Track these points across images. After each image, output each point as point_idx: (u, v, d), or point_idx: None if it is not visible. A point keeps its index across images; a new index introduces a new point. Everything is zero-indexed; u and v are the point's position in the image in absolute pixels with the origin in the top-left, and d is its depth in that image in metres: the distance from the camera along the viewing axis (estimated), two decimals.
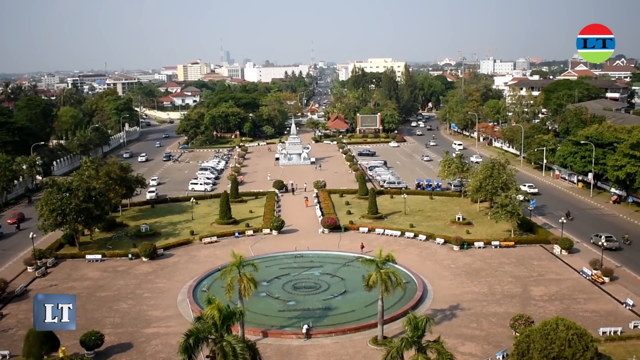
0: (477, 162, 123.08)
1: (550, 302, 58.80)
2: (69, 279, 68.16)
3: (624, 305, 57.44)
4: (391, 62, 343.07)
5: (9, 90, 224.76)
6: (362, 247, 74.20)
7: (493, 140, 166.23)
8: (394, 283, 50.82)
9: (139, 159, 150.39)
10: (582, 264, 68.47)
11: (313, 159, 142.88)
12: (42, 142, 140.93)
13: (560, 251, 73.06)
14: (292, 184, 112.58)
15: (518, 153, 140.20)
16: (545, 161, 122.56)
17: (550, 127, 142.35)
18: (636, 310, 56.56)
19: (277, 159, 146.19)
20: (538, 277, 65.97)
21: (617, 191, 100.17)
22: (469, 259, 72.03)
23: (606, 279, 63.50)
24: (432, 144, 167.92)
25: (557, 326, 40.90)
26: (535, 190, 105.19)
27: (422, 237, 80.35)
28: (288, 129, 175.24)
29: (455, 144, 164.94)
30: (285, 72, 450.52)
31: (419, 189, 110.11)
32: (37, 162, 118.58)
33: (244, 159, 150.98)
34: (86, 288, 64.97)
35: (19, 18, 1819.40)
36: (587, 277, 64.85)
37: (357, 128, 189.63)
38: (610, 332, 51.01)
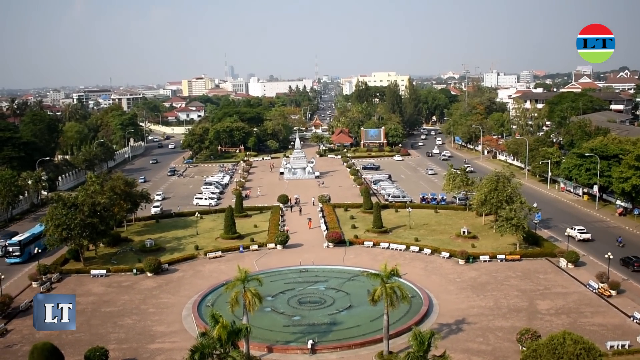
0: (447, 156, 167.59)
1: (557, 316, 58.45)
2: (74, 294, 67.93)
3: (632, 318, 57.03)
4: (395, 76, 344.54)
5: (15, 106, 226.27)
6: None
7: (497, 153, 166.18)
8: (399, 297, 50.58)
9: None
10: (588, 277, 68.08)
11: (317, 173, 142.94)
12: (48, 158, 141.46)
13: (567, 264, 72.68)
14: (296, 198, 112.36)
15: (523, 166, 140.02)
16: (550, 174, 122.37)
17: (554, 140, 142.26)
18: None
19: (282, 173, 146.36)
20: (544, 290, 65.61)
21: (622, 203, 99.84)
22: (474, 272, 71.72)
23: (613, 292, 63.11)
24: (420, 144, 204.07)
25: (565, 340, 40.57)
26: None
27: (427, 251, 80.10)
28: (292, 143, 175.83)
29: (437, 140, 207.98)
30: (290, 87, 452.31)
31: (423, 202, 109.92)
32: (43, 178, 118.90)
33: (249, 173, 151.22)
34: (91, 303, 64.89)
35: (24, 34, 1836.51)
36: (594, 291, 64.46)
37: (362, 142, 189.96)
38: (618, 346, 50.61)
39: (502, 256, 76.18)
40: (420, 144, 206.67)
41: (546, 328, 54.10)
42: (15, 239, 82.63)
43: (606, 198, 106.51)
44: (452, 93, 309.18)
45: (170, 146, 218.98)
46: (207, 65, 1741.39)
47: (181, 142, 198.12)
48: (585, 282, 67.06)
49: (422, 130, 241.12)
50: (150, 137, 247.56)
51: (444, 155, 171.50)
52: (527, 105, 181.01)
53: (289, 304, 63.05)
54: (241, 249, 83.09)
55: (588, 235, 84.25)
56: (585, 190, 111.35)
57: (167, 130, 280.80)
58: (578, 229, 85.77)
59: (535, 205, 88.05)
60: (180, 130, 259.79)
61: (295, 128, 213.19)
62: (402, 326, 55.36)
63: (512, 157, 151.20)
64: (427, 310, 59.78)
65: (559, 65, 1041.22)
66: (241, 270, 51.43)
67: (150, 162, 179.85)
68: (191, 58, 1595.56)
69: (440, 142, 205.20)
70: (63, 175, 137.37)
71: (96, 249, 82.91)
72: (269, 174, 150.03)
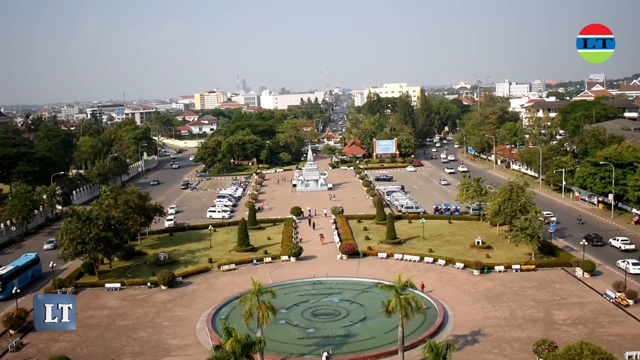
0: (448, 160, 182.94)
1: (573, 326, 57.80)
2: (89, 307, 68.29)
3: None
4: (406, 87, 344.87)
5: (30, 122, 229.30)
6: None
7: (511, 162, 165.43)
8: (414, 309, 50.21)
9: None
10: (605, 286, 67.33)
11: (330, 185, 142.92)
12: (62, 172, 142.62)
13: (583, 274, 71.95)
14: (310, 210, 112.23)
15: (537, 175, 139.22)
16: (564, 183, 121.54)
17: (568, 149, 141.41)
18: None
19: (294, 185, 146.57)
20: (560, 300, 64.95)
21: (639, 212, 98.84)
22: (489, 283, 71.18)
23: (630, 302, 62.35)
24: (434, 150, 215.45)
25: (582, 351, 40.15)
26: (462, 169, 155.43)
27: (441, 261, 79.66)
28: (305, 155, 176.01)
29: (455, 144, 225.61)
30: (301, 99, 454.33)
31: (437, 213, 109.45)
32: (57, 192, 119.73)
33: (262, 186, 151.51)
34: (105, 317, 65.10)
35: (38, 51, 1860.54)
36: (611, 300, 63.72)
37: (374, 153, 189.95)
38: (636, 356, 49.88)
39: (517, 266, 75.58)
40: (434, 150, 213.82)
41: (563, 339, 53.49)
42: None
43: (622, 206, 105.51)
44: (464, 103, 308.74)
45: (174, 166, 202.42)
46: (219, 79, 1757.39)
47: (191, 158, 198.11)
48: (602, 291, 66.32)
49: (434, 141, 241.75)
50: (163, 151, 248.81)
51: (446, 159, 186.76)
52: (540, 114, 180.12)
53: (303, 316, 62.90)
54: (255, 261, 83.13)
55: (554, 219, 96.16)
56: (601, 199, 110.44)
57: (180, 144, 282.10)
58: (546, 213, 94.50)
59: (554, 218, 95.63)
60: (193, 143, 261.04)
61: (307, 140, 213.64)
62: (417, 338, 54.96)
63: (526, 167, 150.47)
64: (442, 321, 59.33)
65: (571, 73, 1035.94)
66: (255, 283, 51.39)
67: (151, 183, 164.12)
68: (203, 72, 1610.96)
69: (456, 146, 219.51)
70: (77, 190, 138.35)
71: (110, 262, 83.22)
72: (281, 187, 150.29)
